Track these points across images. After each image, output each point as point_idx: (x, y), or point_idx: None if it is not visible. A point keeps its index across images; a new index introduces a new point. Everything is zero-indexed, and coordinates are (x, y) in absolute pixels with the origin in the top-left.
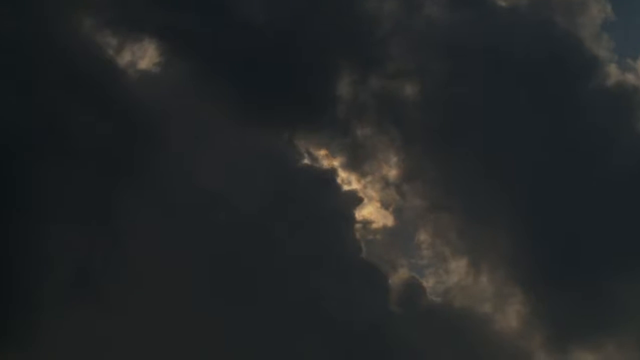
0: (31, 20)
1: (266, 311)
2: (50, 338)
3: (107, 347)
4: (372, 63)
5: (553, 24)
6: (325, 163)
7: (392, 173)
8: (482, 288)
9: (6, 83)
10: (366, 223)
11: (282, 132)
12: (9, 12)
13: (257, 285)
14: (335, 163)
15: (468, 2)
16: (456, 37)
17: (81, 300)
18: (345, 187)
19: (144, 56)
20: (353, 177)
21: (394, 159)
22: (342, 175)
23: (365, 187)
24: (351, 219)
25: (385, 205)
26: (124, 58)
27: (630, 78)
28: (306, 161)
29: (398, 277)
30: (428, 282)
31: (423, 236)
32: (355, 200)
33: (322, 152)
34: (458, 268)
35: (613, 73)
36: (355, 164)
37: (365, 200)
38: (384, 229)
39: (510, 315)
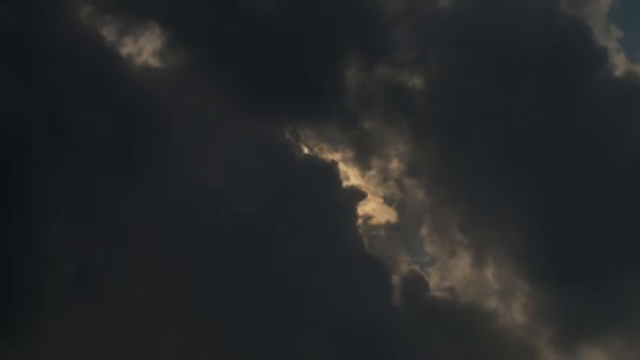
0: (30, 11)
1: (268, 307)
2: (51, 337)
3: (107, 346)
4: (378, 53)
5: (560, 14)
6: (329, 156)
7: (397, 167)
8: (487, 283)
9: (3, 79)
10: (370, 218)
11: (285, 124)
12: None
13: (259, 282)
14: (339, 156)
15: None
16: (462, 27)
17: (81, 300)
18: (349, 182)
19: (145, 45)
20: (357, 171)
21: (399, 153)
22: (346, 169)
23: (368, 181)
24: (354, 214)
25: (389, 199)
26: (125, 47)
27: (638, 69)
28: (309, 155)
29: (401, 272)
30: (432, 278)
31: (427, 231)
32: (358, 194)
33: (325, 146)
34: (463, 264)
35: (621, 64)
36: (359, 158)
37: (369, 195)
38: (387, 223)
39: (516, 311)
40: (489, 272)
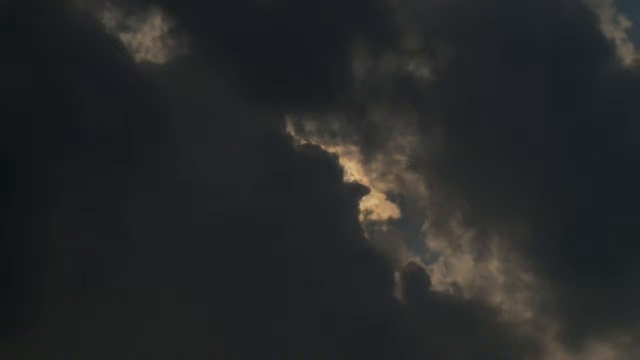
0: None
1: (271, 302)
2: (53, 333)
3: (108, 342)
4: (384, 42)
5: (568, 4)
6: (332, 149)
7: (402, 160)
8: (493, 278)
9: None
10: (372, 212)
11: (288, 115)
12: None
13: (261, 277)
14: (342, 149)
15: None
16: (470, 19)
17: (82, 296)
18: (352, 175)
19: (146, 34)
20: (360, 164)
21: (404, 146)
22: (349, 162)
23: (372, 174)
24: (357, 208)
25: (392, 194)
26: (126, 35)
27: None
28: (312, 148)
29: (404, 267)
30: (436, 273)
31: (432, 225)
32: (361, 189)
33: (329, 139)
34: (467, 259)
35: (629, 55)
36: (364, 151)
37: (373, 190)
38: (391, 218)
39: (521, 306)
40: (494, 268)
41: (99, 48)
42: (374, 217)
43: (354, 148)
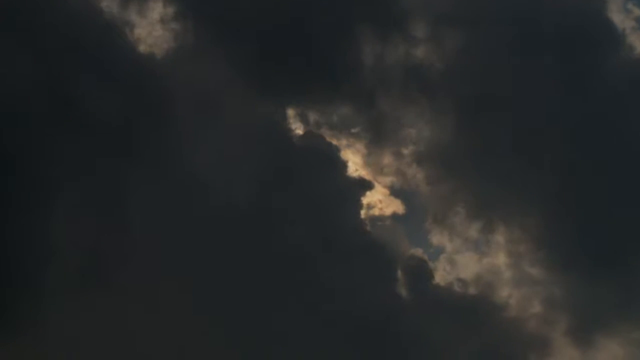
0: None
1: (272, 297)
2: (53, 331)
3: (109, 337)
4: (392, 31)
5: None
6: (336, 142)
7: (407, 153)
8: (499, 272)
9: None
10: (376, 206)
11: (291, 106)
12: None
13: (262, 271)
14: (346, 142)
15: None
16: (479, 6)
17: (84, 292)
18: (355, 168)
19: (148, 19)
20: (364, 158)
21: (411, 138)
22: (353, 155)
23: (376, 167)
24: (359, 202)
25: (397, 187)
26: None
27: None
28: (316, 141)
29: (408, 262)
30: (441, 267)
31: (436, 219)
32: (364, 184)
33: (332, 131)
34: (473, 253)
35: (639, 43)
36: (367, 143)
37: (375, 184)
38: (394, 213)
39: (529, 301)
40: (501, 260)
41: (99, 36)
42: (376, 211)
43: (358, 140)
